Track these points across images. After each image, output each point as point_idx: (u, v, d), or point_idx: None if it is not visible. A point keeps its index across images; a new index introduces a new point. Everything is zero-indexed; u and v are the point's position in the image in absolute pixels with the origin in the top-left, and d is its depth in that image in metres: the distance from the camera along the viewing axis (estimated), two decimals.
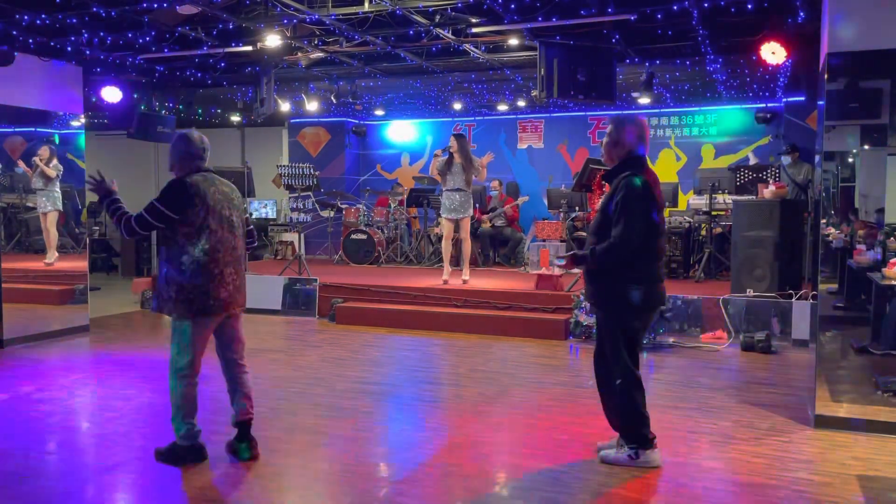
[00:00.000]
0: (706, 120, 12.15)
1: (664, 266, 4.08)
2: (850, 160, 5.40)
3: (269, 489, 3.67)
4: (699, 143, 12.17)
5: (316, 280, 9.01)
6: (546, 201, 11.08)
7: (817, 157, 5.45)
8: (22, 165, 7.67)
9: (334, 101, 10.63)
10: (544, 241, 9.08)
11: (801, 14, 6.43)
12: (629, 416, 3.93)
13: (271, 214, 14.15)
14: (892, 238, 5.18)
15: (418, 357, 6.85)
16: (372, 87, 10.74)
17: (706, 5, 6.43)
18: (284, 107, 11.17)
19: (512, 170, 13.13)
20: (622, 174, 3.84)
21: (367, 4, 6.68)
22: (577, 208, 10.34)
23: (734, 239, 7.80)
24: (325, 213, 11.89)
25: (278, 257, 12.13)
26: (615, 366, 3.91)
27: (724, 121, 12.04)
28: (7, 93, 7.22)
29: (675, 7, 6.47)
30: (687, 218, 9.78)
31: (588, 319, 7.19)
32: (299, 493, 3.71)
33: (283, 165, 10.72)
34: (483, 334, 7.65)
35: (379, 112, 13.07)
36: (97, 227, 13.10)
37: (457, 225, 8.46)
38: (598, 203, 4.04)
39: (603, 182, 4.13)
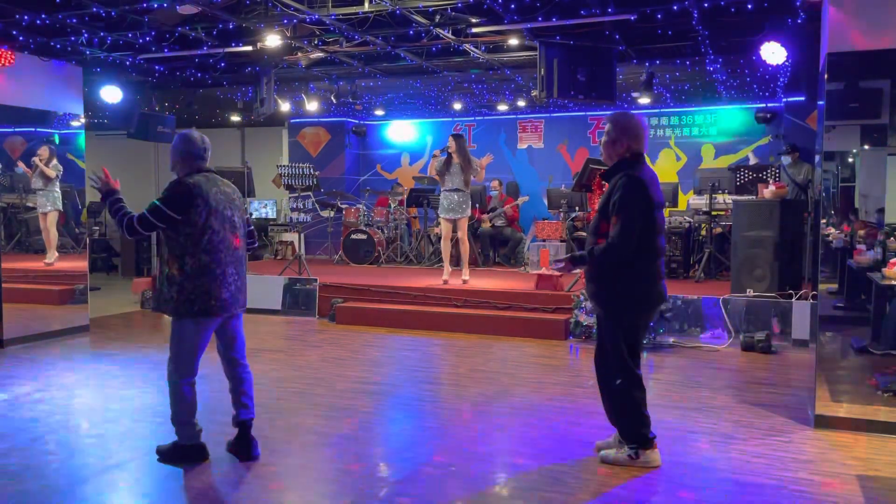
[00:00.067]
0: (706, 120, 12.15)
1: (665, 265, 4.07)
2: (850, 160, 5.40)
3: (269, 489, 3.67)
4: (699, 143, 12.17)
5: (316, 280, 9.01)
6: (546, 201, 11.08)
7: (817, 157, 5.45)
8: (22, 166, 7.67)
9: (334, 101, 10.63)
10: (544, 241, 9.08)
11: (801, 14, 6.43)
12: (629, 416, 3.93)
13: (271, 214, 14.16)
14: (892, 238, 5.18)
15: (418, 357, 6.85)
16: (372, 87, 10.74)
17: (706, 5, 6.43)
18: (284, 107, 11.17)
19: (512, 170, 13.13)
20: (620, 173, 3.85)
21: (367, 4, 6.68)
22: (577, 208, 10.35)
23: (734, 239, 7.80)
24: (325, 213, 11.90)
25: (278, 257, 12.13)
26: (615, 365, 3.91)
27: (724, 121, 12.04)
28: (7, 93, 7.22)
29: (675, 7, 6.47)
30: (687, 218, 9.79)
31: (588, 319, 7.19)
32: (299, 493, 3.71)
33: (283, 165, 10.71)
34: (483, 334, 7.65)
35: (379, 112, 13.07)
36: (97, 227, 13.09)
37: (455, 225, 8.46)
38: (598, 203, 4.03)
39: (603, 182, 4.12)
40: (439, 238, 8.91)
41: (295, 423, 4.70)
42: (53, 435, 4.49)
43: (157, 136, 11.10)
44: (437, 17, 7.21)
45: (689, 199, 10.21)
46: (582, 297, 7.28)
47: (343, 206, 11.64)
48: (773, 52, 6.92)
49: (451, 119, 13.51)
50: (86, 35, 7.66)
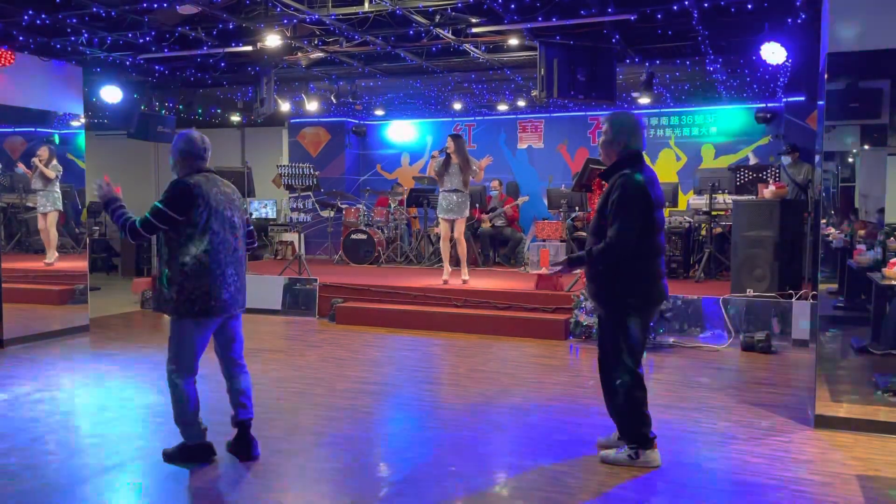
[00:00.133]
0: (706, 120, 12.15)
1: (665, 264, 4.07)
2: (850, 160, 5.39)
3: (269, 489, 3.67)
4: (699, 143, 12.17)
5: (316, 280, 9.01)
6: (546, 201, 11.08)
7: (817, 157, 5.45)
8: (21, 167, 7.67)
9: (334, 101, 10.63)
10: (544, 241, 9.08)
11: (801, 14, 6.43)
12: (630, 416, 3.93)
13: (271, 214, 14.15)
14: (892, 238, 5.18)
15: (418, 357, 6.85)
16: (372, 87, 10.74)
17: (706, 5, 6.43)
18: (284, 107, 11.17)
19: (512, 170, 13.13)
20: (618, 172, 3.84)
21: (367, 4, 6.68)
22: (577, 208, 10.35)
23: (734, 239, 7.80)
24: (325, 213, 11.90)
25: (278, 257, 12.13)
26: (616, 364, 3.91)
27: (723, 121, 12.04)
28: (7, 93, 7.22)
29: (675, 7, 6.47)
30: (687, 218, 9.79)
31: (588, 319, 7.19)
32: (299, 493, 3.71)
33: (283, 165, 10.72)
34: (483, 334, 7.65)
35: (379, 112, 13.07)
36: (97, 227, 13.10)
37: (452, 225, 8.45)
38: (597, 203, 4.03)
39: (602, 181, 4.12)
40: (439, 238, 8.90)
41: (295, 423, 4.70)
42: (53, 435, 4.49)
43: (157, 136, 11.11)
44: (437, 17, 7.21)
45: (689, 199, 10.21)
46: (582, 297, 7.28)
47: (343, 206, 11.64)
48: (773, 52, 6.92)
49: (451, 119, 13.51)
50: (86, 35, 7.66)
